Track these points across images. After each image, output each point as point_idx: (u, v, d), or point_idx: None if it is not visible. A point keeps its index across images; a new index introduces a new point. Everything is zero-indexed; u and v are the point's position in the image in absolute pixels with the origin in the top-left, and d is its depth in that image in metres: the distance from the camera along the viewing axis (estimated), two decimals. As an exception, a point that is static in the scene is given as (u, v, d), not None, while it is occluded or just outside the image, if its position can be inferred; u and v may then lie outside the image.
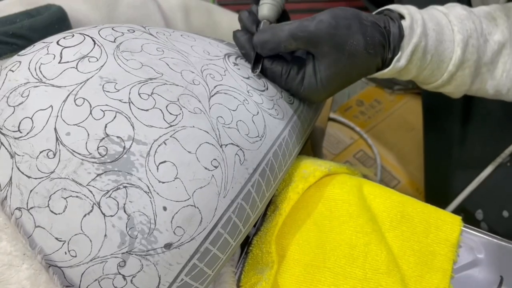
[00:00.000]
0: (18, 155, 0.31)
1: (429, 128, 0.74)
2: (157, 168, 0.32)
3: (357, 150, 0.87)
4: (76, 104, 0.32)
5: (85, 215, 0.30)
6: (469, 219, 0.58)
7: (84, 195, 0.30)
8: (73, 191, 0.30)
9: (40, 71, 0.34)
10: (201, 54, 0.41)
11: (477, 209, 0.57)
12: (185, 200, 0.32)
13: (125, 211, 0.31)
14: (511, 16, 0.44)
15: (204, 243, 0.33)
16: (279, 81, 0.43)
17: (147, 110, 0.33)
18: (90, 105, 0.32)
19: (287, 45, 0.40)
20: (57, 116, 0.32)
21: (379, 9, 0.46)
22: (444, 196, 0.64)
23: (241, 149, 0.36)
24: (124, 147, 0.31)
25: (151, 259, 0.31)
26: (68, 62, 0.34)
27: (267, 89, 0.43)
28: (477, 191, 0.59)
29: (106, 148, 0.31)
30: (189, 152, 0.33)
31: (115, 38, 0.37)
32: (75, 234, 0.30)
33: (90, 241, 0.30)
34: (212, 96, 0.37)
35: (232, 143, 0.36)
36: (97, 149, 0.31)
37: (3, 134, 0.32)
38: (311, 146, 0.67)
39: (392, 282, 0.38)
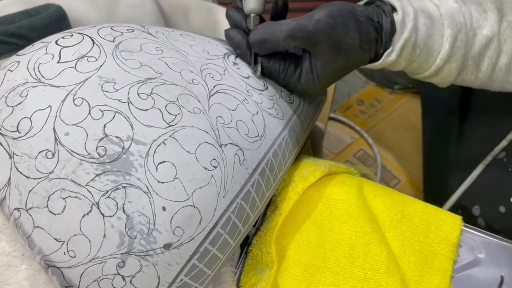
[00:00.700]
0: (16, 155, 0.31)
1: (427, 125, 0.74)
2: (156, 168, 0.31)
3: (357, 149, 0.87)
4: (75, 104, 0.32)
5: (84, 216, 0.30)
6: (466, 215, 0.58)
7: (83, 195, 0.30)
8: (72, 192, 0.30)
9: (39, 71, 0.33)
10: (201, 54, 0.41)
11: (474, 205, 0.57)
12: (184, 200, 0.32)
13: (124, 212, 0.30)
14: (502, 8, 0.45)
15: (203, 243, 0.33)
16: (276, 79, 0.43)
17: (146, 110, 0.33)
18: (89, 105, 0.32)
19: (286, 45, 0.40)
20: (56, 116, 0.31)
21: None
22: (442, 193, 0.64)
23: (240, 149, 0.36)
24: (123, 147, 0.31)
25: (150, 260, 0.31)
26: (67, 62, 0.34)
27: (266, 88, 0.43)
28: (473, 187, 0.60)
29: (105, 148, 0.31)
30: (188, 152, 0.33)
31: (114, 38, 0.37)
32: (74, 235, 0.30)
33: (89, 241, 0.30)
34: (212, 95, 0.37)
35: (231, 143, 0.36)
36: (96, 149, 0.31)
37: (1, 134, 0.32)
38: (311, 146, 0.67)
39: (392, 282, 0.38)
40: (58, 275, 0.31)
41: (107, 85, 0.33)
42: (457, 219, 0.42)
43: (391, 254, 0.40)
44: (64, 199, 0.30)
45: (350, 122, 0.90)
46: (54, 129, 0.31)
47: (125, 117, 0.32)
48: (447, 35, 0.43)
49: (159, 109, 0.33)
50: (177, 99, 0.34)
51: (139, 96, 0.33)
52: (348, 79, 0.98)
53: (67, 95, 0.32)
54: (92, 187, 0.30)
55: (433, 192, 0.71)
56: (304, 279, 0.40)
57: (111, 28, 0.38)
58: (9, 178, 0.31)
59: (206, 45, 0.43)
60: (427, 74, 0.46)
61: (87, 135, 0.31)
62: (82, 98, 0.32)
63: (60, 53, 0.34)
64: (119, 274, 0.31)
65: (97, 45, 0.35)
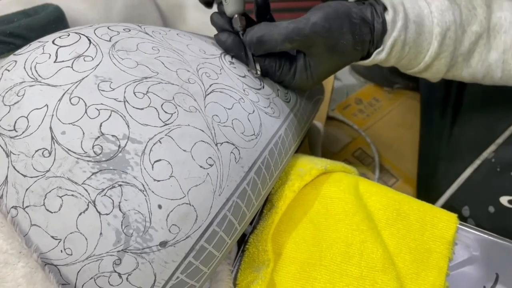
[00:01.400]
0: (13, 154, 0.31)
1: (424, 125, 0.74)
2: (152, 167, 0.32)
3: (356, 148, 0.88)
4: (71, 103, 0.32)
5: (80, 214, 0.30)
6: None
7: (80, 193, 0.31)
8: (68, 190, 0.31)
9: (36, 70, 0.34)
10: (197, 53, 0.41)
11: (464, 205, 0.58)
12: (180, 198, 0.32)
13: (120, 210, 0.31)
14: (491, 5, 0.45)
15: (199, 241, 0.33)
16: (272, 76, 0.45)
17: (142, 109, 0.33)
18: (85, 104, 0.32)
19: (283, 48, 0.41)
20: (53, 115, 0.32)
21: None
22: (433, 194, 0.64)
23: (236, 148, 0.36)
24: (119, 146, 0.31)
25: (146, 257, 0.31)
26: (63, 61, 0.34)
27: (263, 87, 0.43)
28: (463, 187, 0.60)
29: (101, 146, 0.31)
30: (184, 150, 0.33)
31: (111, 37, 0.37)
32: (71, 233, 0.31)
33: (86, 239, 0.30)
34: (208, 94, 0.37)
35: (227, 142, 0.36)
36: (92, 147, 0.31)
37: (-1, 133, 0.32)
38: (309, 144, 0.67)
39: (388, 280, 0.38)
40: (55, 272, 0.31)
41: (104, 84, 0.33)
42: (452, 217, 0.42)
43: (387, 252, 0.40)
44: (60, 197, 0.31)
45: (349, 121, 0.90)
46: (50, 128, 0.31)
47: (121, 116, 0.32)
48: (436, 33, 0.43)
49: (155, 108, 0.33)
50: (173, 98, 0.35)
51: (135, 95, 0.33)
52: (346, 78, 0.98)
53: (63, 94, 0.32)
54: (88, 185, 0.31)
55: (426, 192, 0.71)
56: (300, 277, 0.40)
57: (108, 27, 0.39)
58: (6, 177, 0.32)
59: (202, 45, 0.43)
60: (416, 70, 0.47)
61: (83, 133, 0.31)
62: (79, 97, 0.32)
63: (57, 52, 0.35)
64: (115, 271, 0.31)
65: (93, 44, 0.36)
